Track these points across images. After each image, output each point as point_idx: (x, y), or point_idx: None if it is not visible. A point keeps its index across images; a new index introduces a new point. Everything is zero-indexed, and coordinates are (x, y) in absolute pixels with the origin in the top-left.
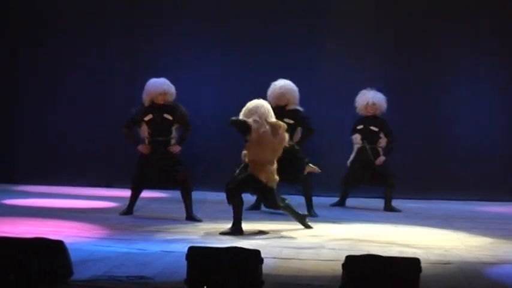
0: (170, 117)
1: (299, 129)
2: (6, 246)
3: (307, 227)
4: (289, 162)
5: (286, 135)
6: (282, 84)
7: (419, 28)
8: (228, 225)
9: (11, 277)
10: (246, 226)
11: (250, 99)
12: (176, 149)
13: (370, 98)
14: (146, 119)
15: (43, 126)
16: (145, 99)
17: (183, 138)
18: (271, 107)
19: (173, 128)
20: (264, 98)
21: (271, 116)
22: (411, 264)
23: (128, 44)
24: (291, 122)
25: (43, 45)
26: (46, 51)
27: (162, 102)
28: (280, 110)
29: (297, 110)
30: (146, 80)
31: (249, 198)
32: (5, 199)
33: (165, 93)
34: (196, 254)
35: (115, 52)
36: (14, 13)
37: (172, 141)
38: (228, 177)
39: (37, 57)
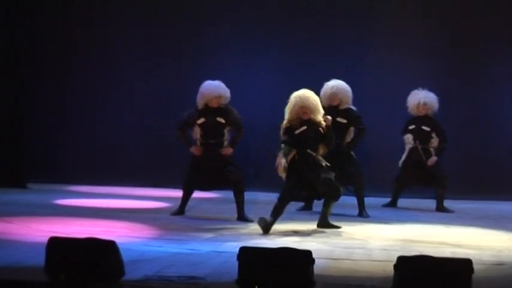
0: (223, 121)
1: (351, 129)
2: (58, 246)
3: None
4: (341, 163)
5: None
6: (334, 84)
7: (469, 28)
8: (279, 226)
9: (62, 277)
10: (297, 226)
11: None
12: (228, 151)
13: (421, 98)
14: (199, 122)
15: (95, 127)
16: (200, 102)
17: (236, 140)
18: (324, 107)
19: (225, 131)
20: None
21: None
22: (463, 265)
23: (177, 45)
24: (344, 121)
25: (94, 47)
26: (97, 53)
27: (216, 106)
28: (333, 110)
29: (350, 109)
30: (196, 81)
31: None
32: (57, 199)
33: (220, 97)
34: (247, 255)
35: (164, 53)
36: (65, 13)
37: (225, 143)
38: (279, 178)
39: (89, 59)
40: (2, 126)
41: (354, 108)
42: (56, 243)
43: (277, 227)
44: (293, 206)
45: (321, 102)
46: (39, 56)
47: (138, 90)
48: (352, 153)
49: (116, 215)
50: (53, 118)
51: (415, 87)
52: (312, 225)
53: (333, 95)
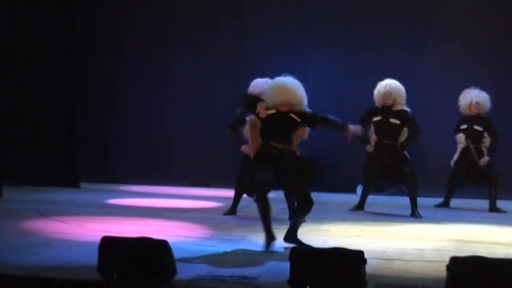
0: None
1: (405, 130)
2: (110, 245)
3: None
4: (395, 163)
5: None
6: (388, 83)
7: None
8: (331, 225)
9: (115, 277)
10: (348, 226)
11: (352, 100)
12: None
13: (473, 97)
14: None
15: (147, 127)
16: None
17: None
18: (378, 107)
19: None
20: (369, 98)
21: None
22: None
23: (234, 44)
24: (397, 122)
25: (148, 45)
26: (150, 53)
27: None
28: (386, 110)
29: (404, 111)
30: (250, 79)
31: (350, 199)
32: (110, 199)
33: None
34: (299, 255)
35: (219, 51)
36: (120, 11)
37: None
38: (330, 178)
39: (143, 58)
40: (55, 126)
41: (407, 109)
42: (108, 243)
43: (330, 227)
44: (345, 206)
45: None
46: (92, 56)
47: (191, 89)
48: (406, 153)
49: (168, 215)
50: (106, 118)
51: (467, 86)
52: (364, 226)
53: (387, 94)
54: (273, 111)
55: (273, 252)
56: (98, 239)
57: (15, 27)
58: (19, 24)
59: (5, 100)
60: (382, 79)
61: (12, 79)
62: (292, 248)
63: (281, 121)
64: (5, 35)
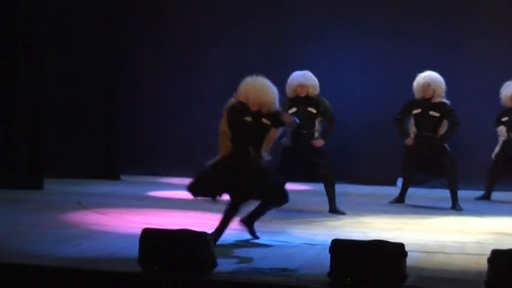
0: (314, 111)
1: (445, 122)
2: (151, 237)
3: None
4: (435, 156)
5: None
6: (428, 76)
7: None
8: (371, 218)
9: (155, 269)
10: (388, 219)
11: (392, 92)
12: (319, 143)
13: None
14: (290, 112)
15: (187, 119)
16: (287, 91)
17: (327, 132)
18: (417, 99)
19: (317, 121)
20: (406, 90)
21: None
22: None
23: (271, 36)
24: (437, 114)
25: (185, 40)
26: (189, 45)
27: (303, 95)
28: (426, 103)
29: (443, 103)
30: (290, 71)
31: (390, 192)
32: (149, 191)
33: (302, 86)
34: (339, 247)
35: (258, 43)
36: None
37: (316, 134)
38: (371, 170)
39: (182, 50)
40: (96, 119)
41: (447, 102)
42: (149, 235)
43: (370, 220)
44: (385, 199)
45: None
46: (131, 51)
47: (230, 80)
48: (446, 145)
49: (208, 207)
50: (146, 110)
51: (509, 78)
52: (405, 219)
53: (426, 86)
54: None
55: (313, 244)
56: (138, 231)
57: (58, 28)
58: (61, 25)
59: (47, 94)
60: (421, 71)
61: (56, 73)
62: (333, 240)
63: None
64: (47, 34)
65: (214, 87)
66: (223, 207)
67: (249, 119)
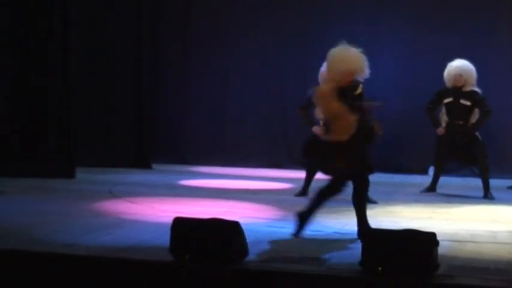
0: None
1: (476, 111)
2: (182, 226)
3: None
4: (466, 145)
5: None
6: (459, 64)
7: None
8: (403, 207)
9: (187, 258)
10: (420, 208)
11: (423, 81)
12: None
13: None
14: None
15: (218, 108)
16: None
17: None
18: (448, 88)
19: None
20: (438, 81)
21: None
22: None
23: (301, 25)
24: (468, 103)
25: (214, 27)
26: (217, 32)
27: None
28: (457, 92)
29: (475, 92)
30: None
31: (422, 181)
32: (180, 180)
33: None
34: (371, 236)
35: (288, 33)
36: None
37: None
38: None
39: (210, 39)
40: (127, 108)
41: (478, 90)
42: (180, 224)
43: (401, 209)
44: (417, 187)
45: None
46: (162, 36)
47: (259, 70)
48: (477, 134)
49: (239, 196)
50: (177, 99)
51: None
52: (436, 208)
53: (458, 76)
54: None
55: (344, 233)
56: (169, 220)
57: (87, 23)
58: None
59: (79, 83)
60: (451, 59)
61: (87, 64)
62: (365, 230)
63: None
64: (75, 30)
65: (244, 76)
66: (252, 197)
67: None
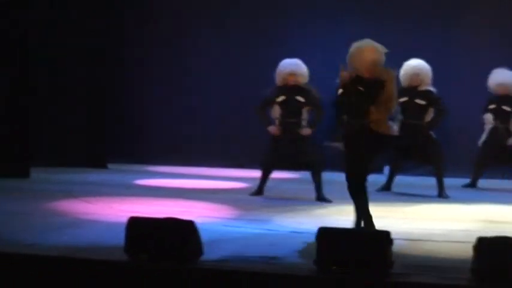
0: (302, 100)
1: (431, 110)
2: (138, 226)
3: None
4: (421, 143)
5: None
6: (416, 64)
7: None
8: None
9: (142, 257)
10: (375, 207)
11: None
12: (307, 131)
13: (502, 77)
14: (279, 100)
15: (174, 108)
16: (277, 79)
17: (315, 121)
18: (403, 87)
19: (304, 110)
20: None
21: None
22: None
23: (260, 24)
24: (423, 103)
25: (172, 26)
26: (177, 33)
27: (292, 84)
28: (412, 91)
29: (430, 91)
30: (278, 59)
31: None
32: (137, 180)
33: (293, 74)
34: (326, 235)
35: (244, 31)
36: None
37: (304, 123)
38: None
39: (169, 38)
40: (83, 107)
41: (433, 89)
42: (135, 223)
43: None
44: (372, 186)
45: (400, 82)
46: (118, 38)
47: (217, 70)
48: (432, 133)
49: (195, 196)
50: (133, 100)
51: (497, 66)
52: (391, 206)
53: (414, 75)
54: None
55: (300, 233)
56: (125, 219)
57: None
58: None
59: (34, 83)
60: (406, 59)
61: (45, 63)
62: (319, 228)
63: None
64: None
65: (201, 76)
66: (209, 196)
67: None
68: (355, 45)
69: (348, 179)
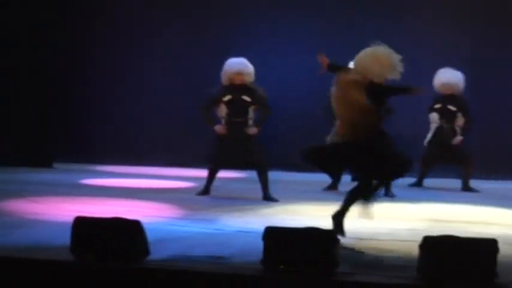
0: (249, 99)
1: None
2: (83, 225)
3: None
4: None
5: None
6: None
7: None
8: (304, 205)
9: (88, 257)
10: (322, 206)
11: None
12: (253, 131)
13: (447, 77)
14: (225, 99)
15: (120, 107)
16: (223, 79)
17: (261, 120)
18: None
19: (251, 110)
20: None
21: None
22: (489, 245)
23: (204, 23)
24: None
25: (118, 24)
26: (121, 30)
27: (239, 83)
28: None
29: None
30: (223, 58)
31: (324, 179)
32: (83, 179)
33: (239, 73)
34: (273, 235)
35: (191, 30)
36: None
37: (250, 122)
38: None
39: (113, 35)
40: (27, 106)
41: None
42: (81, 223)
43: (303, 207)
44: (319, 186)
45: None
46: (65, 34)
47: (162, 69)
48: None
49: (141, 195)
50: (78, 98)
51: (443, 66)
52: (338, 206)
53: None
54: None
55: (246, 232)
56: (71, 219)
57: None
58: None
59: None
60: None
61: None
62: (266, 228)
63: None
64: None
65: (148, 76)
66: (155, 196)
67: None
68: (382, 51)
69: (372, 181)
